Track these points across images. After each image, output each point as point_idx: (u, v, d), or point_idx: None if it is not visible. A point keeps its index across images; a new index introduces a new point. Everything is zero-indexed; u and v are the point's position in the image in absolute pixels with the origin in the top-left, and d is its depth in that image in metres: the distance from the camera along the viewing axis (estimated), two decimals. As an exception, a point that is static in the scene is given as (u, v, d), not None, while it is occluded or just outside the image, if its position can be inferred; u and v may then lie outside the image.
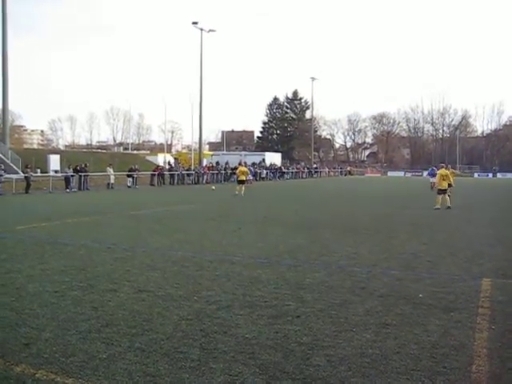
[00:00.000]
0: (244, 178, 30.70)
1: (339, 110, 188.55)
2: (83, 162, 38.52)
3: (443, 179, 22.26)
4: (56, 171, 42.88)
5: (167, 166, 48.97)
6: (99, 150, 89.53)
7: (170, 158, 62.45)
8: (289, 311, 6.54)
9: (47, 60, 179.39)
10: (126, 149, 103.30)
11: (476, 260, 10.31)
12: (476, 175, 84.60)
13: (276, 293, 7.47)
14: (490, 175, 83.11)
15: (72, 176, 35.37)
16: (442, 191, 22.22)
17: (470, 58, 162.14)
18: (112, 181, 38.61)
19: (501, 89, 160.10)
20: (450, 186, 22.48)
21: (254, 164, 58.61)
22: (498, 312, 6.63)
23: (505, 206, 24.56)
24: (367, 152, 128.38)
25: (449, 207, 21.45)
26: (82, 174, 36.10)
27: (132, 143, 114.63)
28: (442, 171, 22.87)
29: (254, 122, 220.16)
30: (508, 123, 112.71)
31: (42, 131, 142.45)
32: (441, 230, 14.98)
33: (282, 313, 6.46)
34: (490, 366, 4.84)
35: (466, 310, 6.74)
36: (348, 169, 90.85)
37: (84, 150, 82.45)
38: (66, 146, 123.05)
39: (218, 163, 55.79)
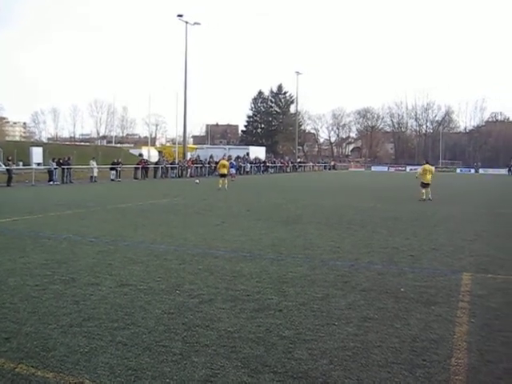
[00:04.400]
0: (225, 172, 30.71)
1: (324, 104, 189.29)
2: (66, 155, 38.24)
3: (426, 174, 23.63)
4: (39, 164, 42.45)
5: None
6: (82, 143, 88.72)
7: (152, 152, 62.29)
8: (271, 305, 6.56)
9: (30, 52, 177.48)
10: (109, 142, 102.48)
11: (457, 255, 10.42)
12: (458, 171, 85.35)
13: (258, 287, 7.49)
14: (473, 171, 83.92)
15: (55, 169, 35.09)
16: (426, 185, 23.67)
17: (454, 55, 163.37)
18: (95, 174, 38.39)
19: (483, 86, 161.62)
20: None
21: (238, 158, 58.57)
22: (478, 306, 6.71)
23: (486, 202, 24.80)
24: (351, 147, 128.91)
25: (429, 199, 23.20)
26: (65, 166, 35.84)
27: (116, 136, 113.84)
28: (426, 166, 24.34)
29: (238, 115, 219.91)
30: (490, 120, 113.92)
31: (24, 123, 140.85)
32: (423, 225, 15.08)
33: (265, 306, 6.48)
34: (468, 359, 4.89)
35: (447, 303, 6.81)
36: (332, 163, 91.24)
37: (67, 143, 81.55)
38: (48, 138, 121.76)
39: (198, 157, 55.74)
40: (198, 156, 56.14)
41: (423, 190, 23.77)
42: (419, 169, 33.51)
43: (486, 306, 6.70)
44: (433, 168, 25.11)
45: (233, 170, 44.17)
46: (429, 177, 23.75)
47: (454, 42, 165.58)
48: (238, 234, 12.80)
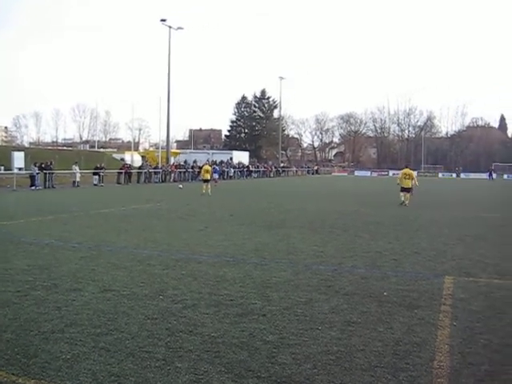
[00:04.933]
0: (208, 177, 30.66)
1: (307, 109, 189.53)
2: (48, 160, 37.91)
3: (406, 178, 23.18)
4: (20, 169, 42.03)
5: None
6: (65, 148, 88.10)
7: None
8: (255, 310, 6.55)
9: (12, 56, 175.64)
10: (92, 146, 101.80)
11: (439, 258, 10.50)
12: (440, 175, 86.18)
13: (242, 291, 7.48)
14: (454, 175, 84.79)
15: (37, 174, 34.75)
16: (405, 189, 23.36)
17: (435, 61, 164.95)
18: (78, 179, 38.13)
19: (464, 91, 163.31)
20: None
21: (221, 162, 58.58)
22: (460, 309, 6.77)
23: (467, 207, 25.06)
24: (334, 151, 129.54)
25: (405, 204, 22.90)
26: (48, 171, 35.52)
27: (99, 141, 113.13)
28: (406, 170, 23.91)
29: (222, 120, 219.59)
30: (471, 125, 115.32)
31: (5, 127, 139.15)
32: (405, 229, 15.19)
33: (248, 311, 6.47)
34: (451, 362, 4.93)
35: (429, 307, 6.86)
36: (315, 168, 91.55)
37: (49, 148, 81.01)
38: (30, 143, 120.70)
39: (185, 162, 55.50)
40: (186, 161, 55.87)
41: (401, 194, 23.56)
42: (400, 173, 33.65)
43: (468, 310, 6.76)
44: (413, 172, 24.60)
45: (216, 175, 44.14)
46: (408, 181, 23.31)
47: (435, 48, 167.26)
48: (221, 238, 12.78)
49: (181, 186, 37.55)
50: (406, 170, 23.90)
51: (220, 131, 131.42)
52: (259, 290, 7.57)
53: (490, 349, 5.31)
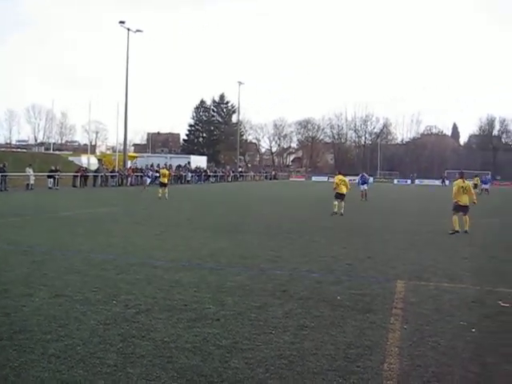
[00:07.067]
0: (165, 181, 30.46)
1: (265, 114, 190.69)
2: (1, 162, 36.92)
3: (343, 184, 21.50)
4: (-29, 171, 40.84)
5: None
6: (19, 150, 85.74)
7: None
8: (208, 314, 6.54)
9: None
10: (47, 149, 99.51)
11: (391, 263, 10.71)
12: (396, 181, 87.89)
13: (196, 296, 7.45)
14: (409, 182, 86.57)
15: (-11, 176, 33.86)
16: (340, 196, 21.62)
17: (392, 70, 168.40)
18: (32, 181, 37.32)
19: (419, 99, 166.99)
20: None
21: (179, 166, 58.30)
22: (410, 312, 6.92)
23: (420, 212, 25.64)
24: (292, 157, 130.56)
25: (341, 214, 21.14)
26: (0, 174, 34.63)
27: (54, 143, 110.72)
28: (340, 177, 22.32)
29: (180, 124, 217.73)
30: (425, 132, 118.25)
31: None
32: (359, 235, 15.44)
33: (202, 316, 6.46)
34: (400, 364, 5.04)
35: (381, 311, 6.99)
36: (273, 173, 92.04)
37: (2, 149, 78.73)
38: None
39: (137, 167, 54.81)
40: (152, 165, 55.01)
41: (335, 202, 21.50)
42: (363, 186, 33.66)
43: (418, 313, 6.92)
44: (346, 179, 22.24)
45: (147, 180, 43.81)
46: (344, 188, 21.36)
47: (391, 57, 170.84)
48: (177, 243, 12.71)
49: (146, 188, 37.07)
50: (340, 177, 22.24)
51: (178, 135, 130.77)
52: (214, 295, 7.56)
53: (438, 351, 5.45)
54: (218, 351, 5.26)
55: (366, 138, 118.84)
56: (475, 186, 45.02)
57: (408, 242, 13.90)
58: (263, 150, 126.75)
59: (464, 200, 16.21)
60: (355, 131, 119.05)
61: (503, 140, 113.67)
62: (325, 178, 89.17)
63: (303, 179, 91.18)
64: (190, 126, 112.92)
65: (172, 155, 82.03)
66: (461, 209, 16.27)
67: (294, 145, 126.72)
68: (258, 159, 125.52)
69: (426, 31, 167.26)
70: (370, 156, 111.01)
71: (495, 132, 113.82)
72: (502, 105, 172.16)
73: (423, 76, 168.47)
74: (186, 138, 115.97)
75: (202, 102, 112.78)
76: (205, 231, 15.24)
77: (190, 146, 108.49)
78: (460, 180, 16.59)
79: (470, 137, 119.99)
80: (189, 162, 65.77)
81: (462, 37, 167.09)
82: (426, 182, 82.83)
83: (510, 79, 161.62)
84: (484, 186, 47.33)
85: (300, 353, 5.29)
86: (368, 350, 5.41)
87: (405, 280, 8.99)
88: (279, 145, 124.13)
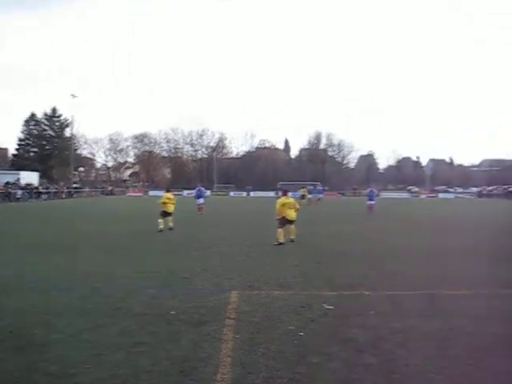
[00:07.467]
0: None
1: (101, 128, 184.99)
2: None
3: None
4: None
5: None
6: None
7: None
8: (36, 340, 6.18)
9: None
10: None
11: (227, 274, 10.96)
12: (232, 194, 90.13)
13: (23, 321, 7.00)
14: (245, 194, 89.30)
15: None
16: (167, 214, 21.46)
17: (227, 86, 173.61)
18: None
19: (254, 115, 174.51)
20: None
21: (7, 183, 54.42)
22: (243, 322, 7.15)
23: (253, 223, 26.55)
24: (129, 171, 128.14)
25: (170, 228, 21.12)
26: None
27: None
28: (168, 195, 22.58)
29: (8, 138, 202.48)
30: (259, 146, 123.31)
31: None
32: (197, 247, 15.54)
33: (28, 342, 6.08)
34: (232, 373, 5.20)
35: (216, 322, 7.13)
36: (110, 188, 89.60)
37: None
38: None
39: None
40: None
41: (160, 220, 20.82)
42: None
43: (250, 321, 7.17)
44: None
45: None
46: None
47: (227, 74, 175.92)
48: (4, 262, 11.82)
49: None
50: (168, 195, 22.49)
51: (6, 150, 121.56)
52: (42, 319, 7.15)
53: (268, 356, 5.70)
54: (46, 379, 5.00)
55: (202, 151, 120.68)
56: (303, 196, 48.05)
57: (244, 254, 14.31)
58: (99, 165, 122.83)
59: (291, 215, 17.08)
60: (191, 145, 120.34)
61: (329, 153, 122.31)
62: (161, 193, 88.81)
63: (141, 194, 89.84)
64: (20, 140, 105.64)
65: (-1, 171, 76.16)
66: (288, 222, 17.13)
67: (130, 159, 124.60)
68: (93, 174, 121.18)
69: (259, 53, 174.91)
70: (206, 169, 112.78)
71: (322, 145, 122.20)
72: (328, 121, 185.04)
73: (257, 94, 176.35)
74: (15, 152, 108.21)
75: (33, 115, 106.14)
76: (36, 250, 14.27)
77: (21, 162, 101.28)
78: (284, 198, 17.42)
79: (301, 150, 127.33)
80: (18, 179, 61.66)
81: (290, 61, 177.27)
82: (261, 193, 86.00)
83: (333, 97, 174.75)
84: (318, 195, 50.97)
85: (134, 370, 5.22)
86: (202, 363, 5.50)
87: (239, 290, 9.27)
88: (115, 159, 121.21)
